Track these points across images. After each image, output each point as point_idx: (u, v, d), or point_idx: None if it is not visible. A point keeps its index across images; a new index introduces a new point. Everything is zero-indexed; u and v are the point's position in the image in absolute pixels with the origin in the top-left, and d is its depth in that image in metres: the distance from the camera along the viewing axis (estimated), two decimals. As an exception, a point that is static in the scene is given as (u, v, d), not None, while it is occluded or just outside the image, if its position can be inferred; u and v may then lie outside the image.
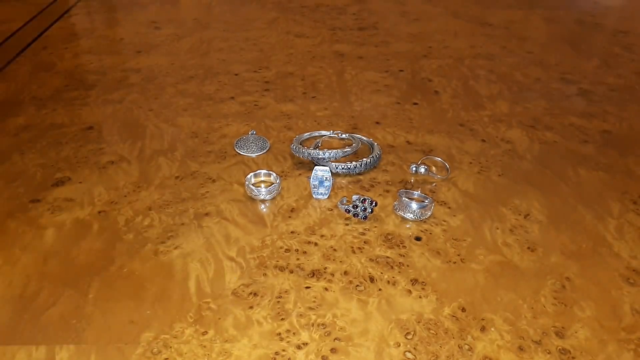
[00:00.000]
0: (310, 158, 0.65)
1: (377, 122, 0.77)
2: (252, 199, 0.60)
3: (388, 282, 0.50)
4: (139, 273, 0.50)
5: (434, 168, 0.67)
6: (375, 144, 0.69)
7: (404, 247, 0.54)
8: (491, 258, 0.53)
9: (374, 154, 0.66)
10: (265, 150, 0.70)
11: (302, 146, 0.66)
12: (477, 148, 0.71)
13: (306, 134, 0.71)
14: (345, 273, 0.50)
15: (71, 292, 0.48)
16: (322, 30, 1.13)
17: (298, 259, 0.52)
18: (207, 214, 0.58)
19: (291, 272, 0.51)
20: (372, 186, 0.63)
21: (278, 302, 0.47)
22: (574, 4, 1.34)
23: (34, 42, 1.05)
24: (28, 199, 0.60)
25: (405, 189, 0.63)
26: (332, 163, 0.64)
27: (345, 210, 0.57)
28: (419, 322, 0.46)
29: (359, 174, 0.65)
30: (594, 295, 0.49)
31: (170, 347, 0.43)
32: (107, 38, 1.08)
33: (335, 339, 0.44)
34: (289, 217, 0.58)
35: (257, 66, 0.96)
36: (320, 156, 0.64)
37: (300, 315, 0.46)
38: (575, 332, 0.45)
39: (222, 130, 0.74)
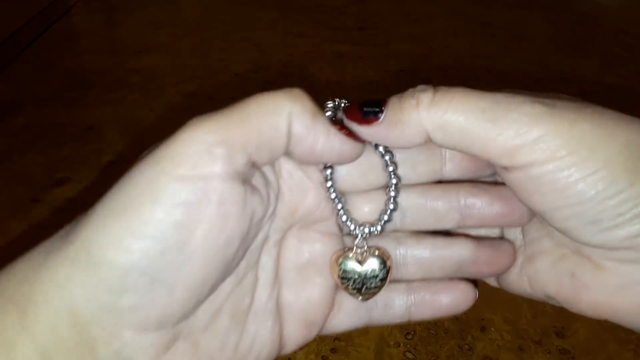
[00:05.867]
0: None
1: (377, 122, 0.77)
2: (252, 199, 0.60)
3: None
4: (139, 273, 0.50)
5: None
6: (375, 144, 0.69)
7: (404, 247, 0.54)
8: (491, 258, 0.53)
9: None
10: (265, 150, 0.69)
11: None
12: (477, 148, 0.71)
13: (306, 134, 0.71)
14: (345, 273, 0.50)
15: (71, 292, 0.48)
16: (322, 30, 1.13)
17: (298, 259, 0.52)
18: (207, 214, 0.58)
19: (291, 272, 0.50)
20: (372, 186, 0.63)
21: (278, 302, 0.47)
22: (574, 4, 1.34)
23: (34, 42, 1.05)
24: (28, 199, 0.60)
25: (405, 189, 0.62)
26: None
27: (345, 210, 0.57)
28: (419, 322, 0.46)
29: (359, 174, 0.65)
30: (594, 295, 0.49)
31: (170, 347, 0.43)
32: (107, 38, 1.08)
33: (335, 339, 0.44)
34: (289, 217, 0.58)
35: (257, 66, 0.96)
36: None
37: (300, 315, 0.46)
38: (575, 332, 0.45)
39: (222, 130, 0.74)
